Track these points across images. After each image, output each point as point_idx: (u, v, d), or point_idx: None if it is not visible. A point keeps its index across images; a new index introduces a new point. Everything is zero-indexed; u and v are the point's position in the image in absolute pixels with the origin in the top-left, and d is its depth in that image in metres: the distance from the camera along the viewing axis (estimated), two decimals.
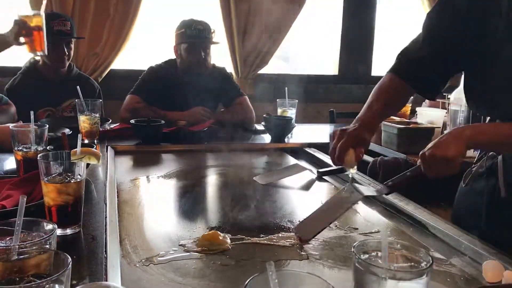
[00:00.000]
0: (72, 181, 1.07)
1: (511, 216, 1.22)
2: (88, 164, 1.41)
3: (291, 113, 2.48)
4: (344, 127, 1.26)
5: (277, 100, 2.53)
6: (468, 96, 1.27)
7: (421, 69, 1.29)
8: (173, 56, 2.70)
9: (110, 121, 2.41)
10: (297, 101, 2.51)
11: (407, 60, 1.32)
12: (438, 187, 1.81)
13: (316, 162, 1.91)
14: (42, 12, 1.97)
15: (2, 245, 0.77)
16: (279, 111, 2.52)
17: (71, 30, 2.53)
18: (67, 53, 2.54)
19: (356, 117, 1.30)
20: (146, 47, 3.57)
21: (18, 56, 2.93)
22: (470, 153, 2.08)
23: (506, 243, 1.07)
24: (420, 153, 1.11)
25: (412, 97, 2.87)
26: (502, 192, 1.22)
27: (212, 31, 2.60)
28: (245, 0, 3.46)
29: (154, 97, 2.57)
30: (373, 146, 2.24)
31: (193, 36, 2.54)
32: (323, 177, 1.69)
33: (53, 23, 2.45)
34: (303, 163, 1.87)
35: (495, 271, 0.94)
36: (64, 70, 2.62)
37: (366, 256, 0.75)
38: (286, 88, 2.48)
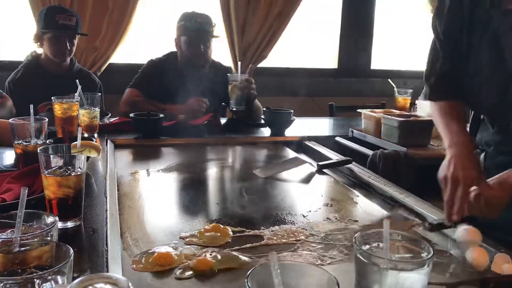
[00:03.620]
0: (72, 174, 1.07)
1: None
2: (88, 157, 1.41)
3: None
4: (452, 170, 1.11)
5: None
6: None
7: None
8: (174, 49, 2.69)
9: (110, 115, 2.40)
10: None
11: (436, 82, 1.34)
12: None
13: (316, 155, 1.91)
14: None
15: (4, 237, 0.77)
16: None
17: (76, 26, 2.51)
18: (69, 48, 2.52)
19: (445, 145, 1.21)
20: (145, 40, 3.56)
21: (18, 51, 2.94)
22: None
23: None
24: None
25: (411, 90, 2.90)
26: None
27: (213, 24, 2.59)
28: None
29: (154, 90, 2.55)
30: (372, 139, 2.24)
31: (194, 29, 2.52)
32: (323, 170, 1.69)
33: (58, 17, 2.44)
34: (303, 156, 1.87)
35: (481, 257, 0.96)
36: (66, 64, 2.61)
37: (367, 247, 0.75)
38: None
